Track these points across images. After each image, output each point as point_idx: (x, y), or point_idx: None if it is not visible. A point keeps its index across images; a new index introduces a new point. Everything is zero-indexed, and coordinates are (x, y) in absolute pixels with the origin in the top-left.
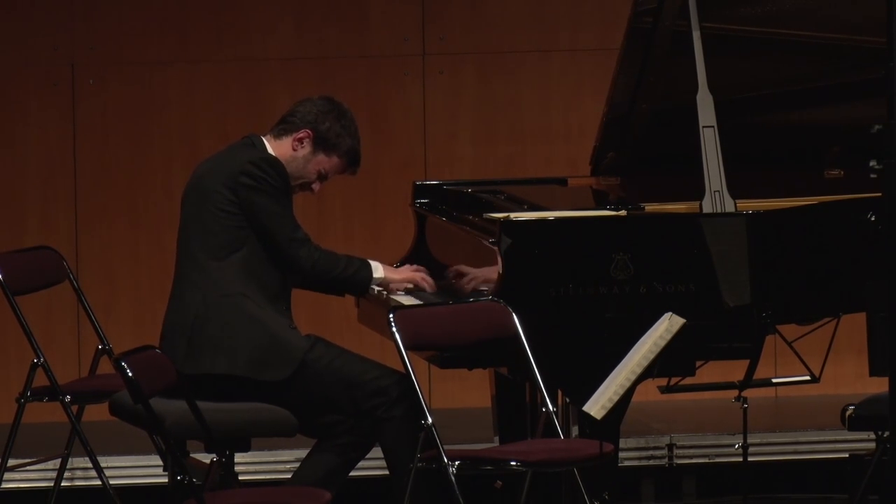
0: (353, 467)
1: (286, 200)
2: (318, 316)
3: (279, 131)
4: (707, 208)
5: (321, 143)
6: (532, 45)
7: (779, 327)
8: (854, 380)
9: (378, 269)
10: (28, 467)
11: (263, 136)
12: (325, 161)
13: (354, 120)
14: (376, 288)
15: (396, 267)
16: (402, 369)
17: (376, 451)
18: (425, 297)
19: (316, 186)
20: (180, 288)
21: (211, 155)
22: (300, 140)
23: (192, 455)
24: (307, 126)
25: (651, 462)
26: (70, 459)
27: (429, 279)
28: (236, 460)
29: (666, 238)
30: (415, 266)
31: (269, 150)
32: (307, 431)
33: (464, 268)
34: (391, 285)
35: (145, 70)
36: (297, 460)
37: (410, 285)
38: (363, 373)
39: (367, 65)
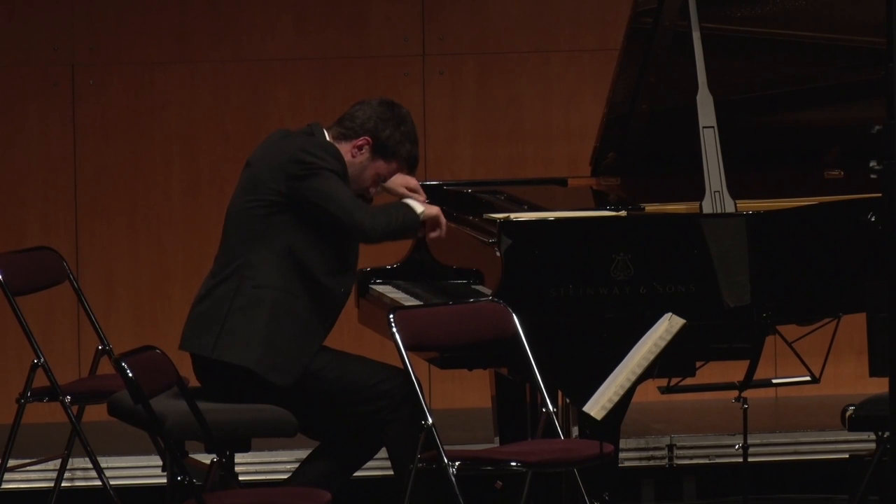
0: (354, 471)
1: (340, 179)
2: None
3: (338, 134)
4: (707, 208)
5: (381, 150)
6: (532, 45)
7: (779, 328)
8: (854, 380)
9: (417, 206)
10: (28, 468)
11: (325, 128)
12: (383, 167)
13: (413, 123)
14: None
15: (396, 267)
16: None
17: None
18: (425, 298)
19: (373, 190)
20: (220, 271)
21: (265, 141)
22: (359, 147)
23: (191, 455)
24: (367, 133)
25: (651, 462)
26: (70, 460)
27: (443, 221)
28: (236, 460)
29: (666, 238)
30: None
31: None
32: (310, 434)
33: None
34: (390, 296)
35: (145, 70)
36: (297, 461)
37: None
38: (367, 378)
39: (367, 65)
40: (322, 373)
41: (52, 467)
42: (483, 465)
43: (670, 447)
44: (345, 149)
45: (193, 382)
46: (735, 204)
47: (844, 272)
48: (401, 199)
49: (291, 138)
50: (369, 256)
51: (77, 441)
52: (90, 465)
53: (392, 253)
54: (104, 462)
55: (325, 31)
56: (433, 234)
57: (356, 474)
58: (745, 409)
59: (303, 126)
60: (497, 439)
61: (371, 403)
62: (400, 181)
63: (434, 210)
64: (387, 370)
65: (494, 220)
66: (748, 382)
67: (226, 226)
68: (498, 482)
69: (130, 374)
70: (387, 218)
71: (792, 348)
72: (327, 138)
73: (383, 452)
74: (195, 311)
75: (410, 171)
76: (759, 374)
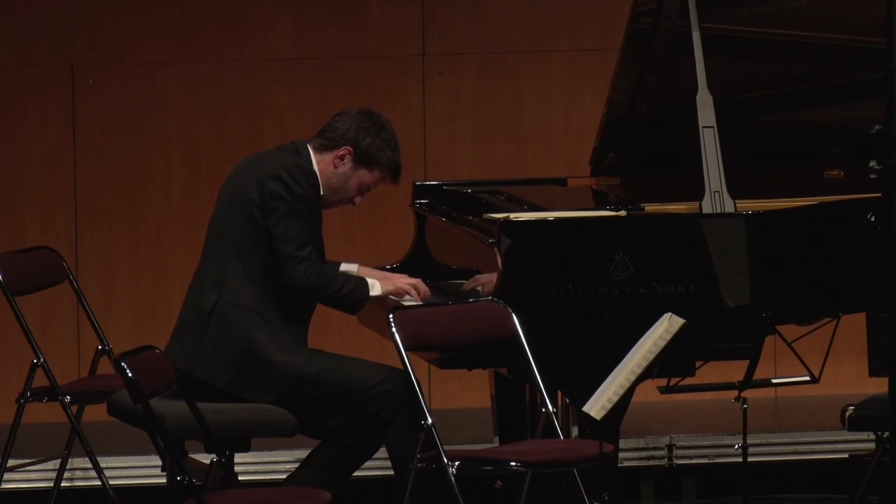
0: (353, 471)
1: (307, 215)
2: (318, 316)
3: (319, 145)
4: (707, 208)
5: (362, 158)
6: (532, 45)
7: (779, 327)
8: (854, 380)
9: (375, 287)
10: (28, 467)
11: (308, 142)
12: (366, 175)
13: (393, 130)
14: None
15: (396, 268)
16: (402, 369)
17: (376, 451)
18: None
19: (357, 199)
20: (198, 286)
21: (255, 153)
22: (341, 157)
23: (191, 455)
24: (347, 143)
25: (651, 462)
26: (70, 460)
27: (422, 288)
28: (236, 460)
29: (666, 238)
30: (412, 279)
31: (314, 161)
32: (309, 433)
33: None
34: (388, 298)
35: (145, 70)
36: (297, 460)
37: (407, 296)
38: (365, 379)
39: (367, 65)
40: (320, 376)
41: (51, 467)
42: (483, 465)
43: (670, 447)
44: (327, 160)
45: None
46: (735, 204)
47: (844, 272)
48: (364, 277)
49: (278, 155)
50: (369, 256)
51: (77, 441)
52: (90, 465)
53: (392, 253)
54: (104, 462)
55: (325, 31)
56: (407, 302)
57: (356, 474)
58: (745, 409)
59: (288, 142)
60: (497, 439)
61: (370, 405)
62: (400, 288)
63: (399, 285)
64: (385, 371)
65: (494, 220)
66: (748, 382)
67: (207, 238)
68: (498, 482)
69: (130, 374)
70: (330, 282)
71: (792, 348)
72: (312, 157)
73: (383, 452)
74: (177, 323)
75: (394, 178)
76: (759, 374)
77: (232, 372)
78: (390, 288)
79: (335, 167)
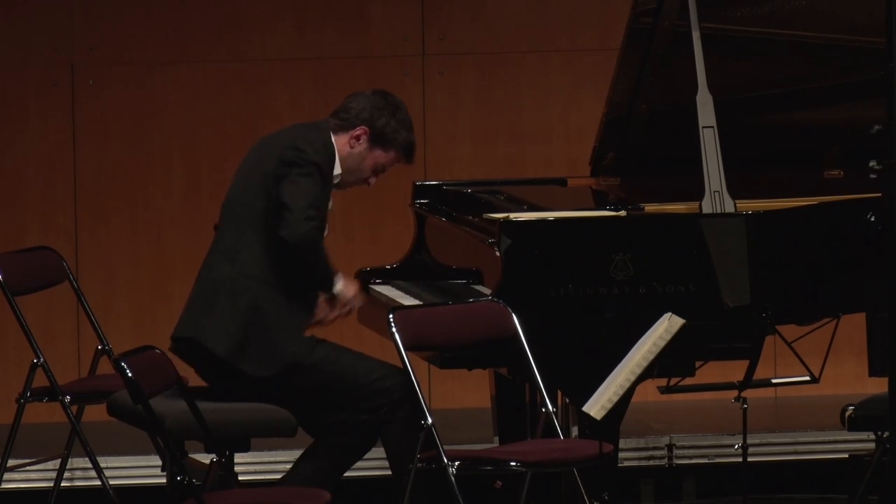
0: (347, 469)
1: (319, 179)
2: None
3: (334, 126)
4: (707, 208)
5: (378, 139)
6: (532, 45)
7: (779, 327)
8: (854, 380)
9: (338, 285)
10: (28, 467)
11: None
12: (381, 156)
13: (407, 111)
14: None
15: (396, 267)
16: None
17: (376, 451)
18: (425, 298)
19: (372, 180)
20: (213, 257)
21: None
22: (357, 137)
23: (191, 455)
24: (363, 123)
25: (651, 462)
26: (70, 460)
27: (353, 302)
28: (236, 460)
29: (666, 238)
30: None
31: (332, 138)
32: (306, 429)
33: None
34: (341, 299)
35: (145, 70)
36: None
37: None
38: (366, 373)
39: (367, 65)
40: (320, 365)
41: (51, 467)
42: (483, 465)
43: (670, 447)
44: (342, 140)
45: (193, 382)
46: (735, 204)
47: (844, 272)
48: (338, 272)
49: (296, 128)
50: (369, 256)
51: (77, 441)
52: (90, 465)
53: (392, 253)
54: (104, 462)
55: (325, 31)
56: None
57: (356, 474)
58: (745, 409)
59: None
60: (497, 439)
61: (369, 400)
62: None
63: (350, 294)
64: (386, 368)
65: (494, 220)
66: (748, 382)
67: (222, 214)
68: (498, 482)
69: (130, 374)
70: (322, 252)
71: (791, 348)
72: (332, 136)
73: (384, 452)
74: (190, 295)
75: (408, 157)
76: (759, 374)
77: (234, 340)
78: (346, 292)
79: (351, 147)
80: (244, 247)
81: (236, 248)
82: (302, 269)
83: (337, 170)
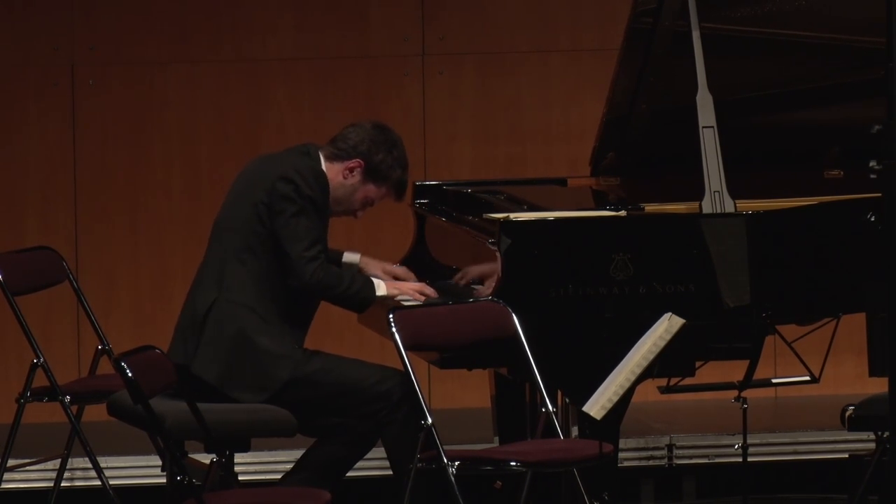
0: (347, 471)
1: (315, 216)
2: (318, 316)
3: (330, 154)
4: (707, 208)
5: (372, 173)
6: (532, 45)
7: (779, 327)
8: (854, 380)
9: (381, 288)
10: (28, 467)
11: (320, 149)
12: (373, 190)
13: (404, 148)
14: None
15: (396, 268)
16: (402, 369)
17: (376, 451)
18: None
19: (360, 213)
20: (199, 282)
21: (266, 153)
22: (350, 169)
23: (191, 455)
24: (359, 156)
25: (651, 462)
26: (70, 460)
27: (428, 290)
28: (236, 460)
29: (666, 238)
30: (417, 284)
31: (323, 165)
32: (306, 432)
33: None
34: (395, 299)
35: (145, 70)
36: (296, 461)
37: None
38: (363, 379)
39: (367, 65)
40: (317, 376)
41: (51, 467)
42: (483, 465)
43: (670, 447)
44: (336, 169)
45: None
46: (735, 204)
47: (844, 272)
48: (371, 278)
49: (288, 156)
50: (369, 256)
51: (77, 441)
52: (90, 465)
53: (392, 253)
54: (104, 462)
55: (325, 31)
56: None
57: (356, 474)
58: (745, 409)
59: (299, 144)
60: (497, 439)
61: (369, 405)
62: (406, 291)
63: (404, 289)
64: (383, 371)
65: (494, 220)
66: (748, 382)
67: (211, 236)
68: (498, 482)
69: (130, 374)
70: (338, 280)
71: (791, 348)
72: (322, 161)
73: (384, 452)
74: (178, 321)
75: (398, 196)
76: (759, 374)
77: (223, 368)
78: (395, 291)
79: (344, 178)
80: (230, 273)
81: (222, 274)
82: (331, 302)
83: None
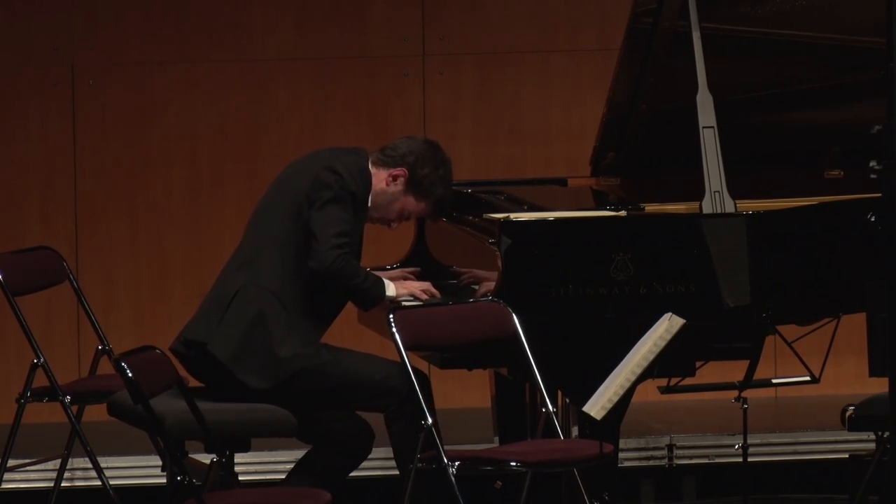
0: (344, 477)
1: (351, 209)
2: None
3: (377, 159)
4: (707, 209)
5: (414, 186)
6: (532, 45)
7: (779, 327)
8: (854, 380)
9: (390, 288)
10: (28, 467)
11: (369, 153)
12: (412, 203)
13: (451, 170)
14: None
15: (396, 267)
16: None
17: (376, 451)
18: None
19: (395, 224)
20: (231, 266)
21: (315, 151)
22: (395, 177)
23: (191, 455)
24: (406, 166)
25: (651, 462)
26: (70, 460)
27: (433, 290)
28: (236, 460)
29: (666, 238)
30: (423, 283)
31: (371, 169)
32: (304, 436)
33: (465, 270)
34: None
35: (145, 70)
36: (296, 461)
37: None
38: (372, 373)
39: (367, 65)
40: (325, 368)
41: (51, 467)
42: (483, 465)
43: (670, 447)
44: (381, 176)
45: (193, 382)
46: (735, 204)
47: (844, 272)
48: (382, 278)
49: (338, 152)
50: (369, 256)
51: (77, 441)
52: (90, 465)
53: (392, 253)
54: (104, 462)
55: (325, 31)
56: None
57: (356, 474)
58: (745, 409)
59: (350, 146)
60: (497, 439)
61: (377, 400)
62: (410, 290)
63: (409, 288)
64: (392, 366)
65: (494, 220)
66: (748, 382)
67: (249, 222)
68: (498, 482)
69: (130, 374)
70: (355, 272)
71: (792, 348)
72: (370, 165)
73: (384, 452)
74: (204, 300)
75: (438, 214)
76: (759, 374)
77: (236, 348)
78: (404, 292)
79: (386, 185)
80: (263, 259)
81: (254, 259)
82: (342, 292)
83: (368, 202)
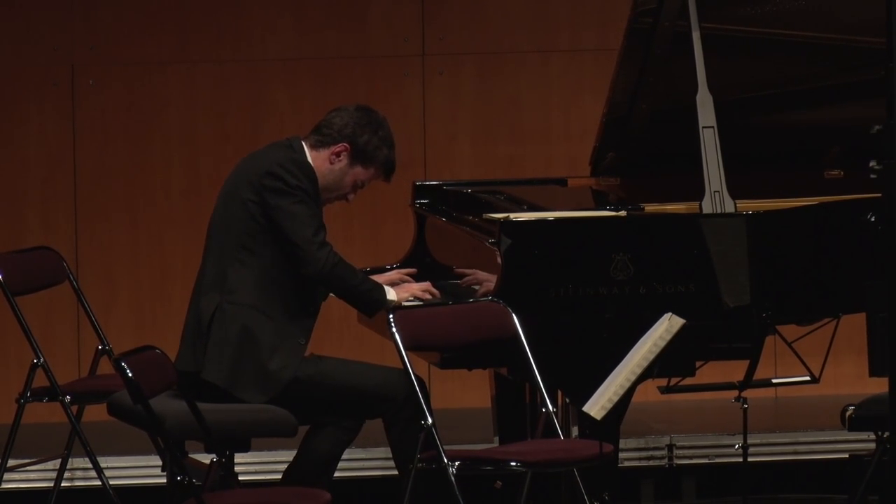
0: (345, 448)
1: (311, 203)
2: (318, 317)
3: (315, 142)
4: (707, 208)
5: (359, 155)
6: (532, 45)
7: (779, 327)
8: (854, 380)
9: (391, 293)
10: (28, 467)
11: (303, 139)
12: (362, 172)
13: (390, 128)
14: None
15: (396, 267)
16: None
17: (376, 451)
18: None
19: (351, 196)
20: (200, 288)
21: (254, 151)
22: (337, 154)
23: (191, 455)
24: (345, 140)
25: (651, 462)
26: (70, 460)
27: (433, 290)
28: (236, 460)
29: (666, 238)
30: (423, 284)
31: (308, 156)
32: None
33: (467, 270)
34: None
35: (145, 70)
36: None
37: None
38: (366, 381)
39: (367, 65)
40: (319, 379)
41: (51, 467)
42: (483, 465)
43: (670, 447)
44: (323, 156)
45: None
46: (735, 204)
47: (844, 272)
48: (381, 283)
49: (269, 151)
50: (369, 256)
51: (77, 441)
52: (90, 465)
53: (392, 253)
54: (104, 462)
55: (325, 31)
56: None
57: (356, 474)
58: (745, 409)
59: (282, 139)
60: (497, 439)
61: (373, 408)
62: (411, 292)
63: (410, 291)
64: (387, 373)
65: (494, 220)
66: (748, 382)
67: (207, 240)
68: (498, 482)
69: (130, 374)
70: (352, 273)
71: (792, 348)
72: (307, 152)
73: (384, 452)
74: (184, 329)
75: (387, 176)
76: (759, 374)
77: (230, 370)
78: (405, 295)
79: (331, 164)
80: (230, 275)
81: (223, 277)
82: (341, 296)
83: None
